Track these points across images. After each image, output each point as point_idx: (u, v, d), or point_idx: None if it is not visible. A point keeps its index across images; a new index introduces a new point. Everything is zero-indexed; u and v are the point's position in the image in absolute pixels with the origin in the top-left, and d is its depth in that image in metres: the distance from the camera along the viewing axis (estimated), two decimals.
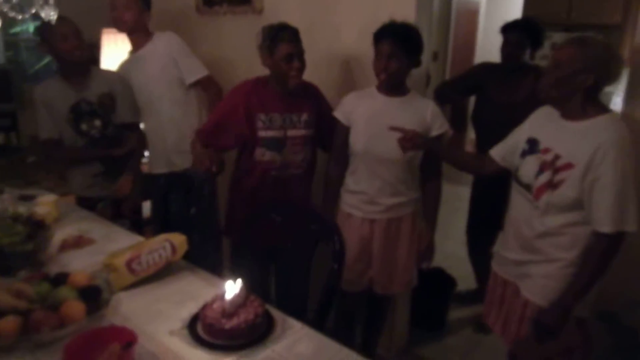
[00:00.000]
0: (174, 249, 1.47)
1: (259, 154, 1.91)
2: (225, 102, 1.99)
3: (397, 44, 1.72)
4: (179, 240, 1.49)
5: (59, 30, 2.00)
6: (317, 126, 1.97)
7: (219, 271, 2.32)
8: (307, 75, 2.15)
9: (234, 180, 2.05)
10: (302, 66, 1.84)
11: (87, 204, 2.15)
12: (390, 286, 2.00)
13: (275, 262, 2.04)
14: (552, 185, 1.48)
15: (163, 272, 1.47)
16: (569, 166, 1.44)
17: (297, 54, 1.81)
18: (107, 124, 2.21)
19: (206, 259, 1.89)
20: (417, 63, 1.80)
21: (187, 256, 1.55)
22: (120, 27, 2.26)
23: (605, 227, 1.39)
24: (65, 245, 1.64)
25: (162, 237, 1.48)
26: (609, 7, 4.08)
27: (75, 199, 2.26)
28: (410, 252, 1.95)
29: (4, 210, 1.59)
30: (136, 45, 2.31)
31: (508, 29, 2.33)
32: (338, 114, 1.89)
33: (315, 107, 1.98)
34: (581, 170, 1.41)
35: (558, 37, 4.54)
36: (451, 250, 3.26)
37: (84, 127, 2.18)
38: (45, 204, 1.78)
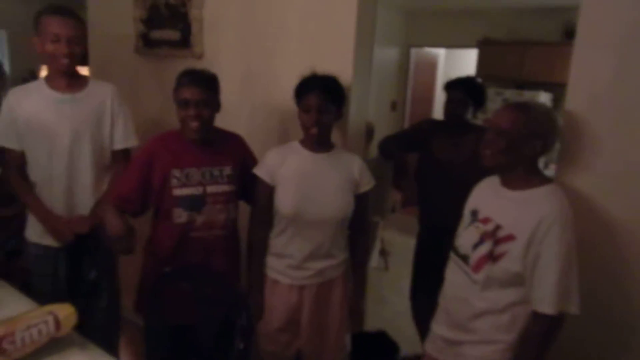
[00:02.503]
0: (58, 323, 1.28)
1: (176, 216, 1.71)
2: (137, 162, 1.76)
3: (326, 96, 1.65)
4: (65, 312, 1.30)
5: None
6: (242, 181, 1.81)
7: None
8: (244, 124, 2.03)
9: (149, 245, 1.82)
10: (197, 114, 1.63)
11: None
12: (322, 355, 1.84)
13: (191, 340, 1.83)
14: (492, 257, 1.38)
15: (46, 349, 1.27)
16: (510, 238, 1.35)
17: (194, 102, 1.62)
18: None
19: (107, 332, 1.65)
20: (341, 115, 1.73)
21: (81, 327, 1.36)
22: (62, 64, 1.79)
23: (547, 308, 1.29)
24: None
25: (46, 309, 1.30)
26: (557, 67, 4.24)
27: None
28: (342, 316, 1.82)
29: None
30: (68, 88, 1.87)
31: (450, 87, 2.29)
32: (260, 172, 1.74)
33: (240, 159, 1.82)
34: (523, 243, 1.32)
35: (510, 93, 4.68)
36: (402, 309, 3.11)
37: None
38: None
